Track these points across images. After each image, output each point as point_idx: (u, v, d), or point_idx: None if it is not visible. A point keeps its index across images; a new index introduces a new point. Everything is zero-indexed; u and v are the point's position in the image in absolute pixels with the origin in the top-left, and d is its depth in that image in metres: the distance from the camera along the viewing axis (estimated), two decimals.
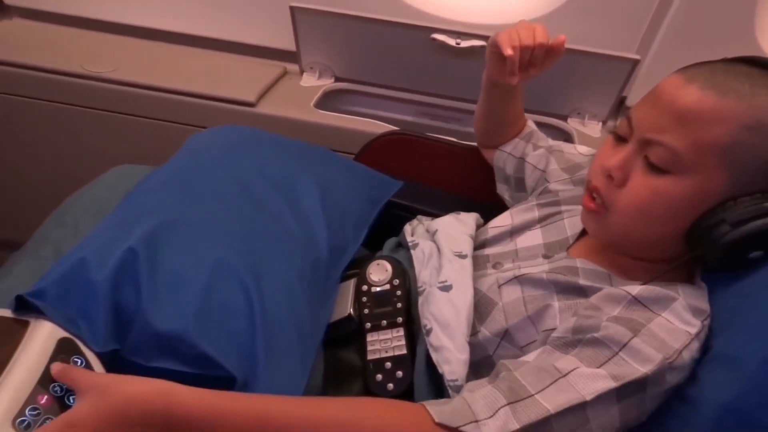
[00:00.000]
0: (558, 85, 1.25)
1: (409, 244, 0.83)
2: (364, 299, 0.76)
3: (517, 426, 0.53)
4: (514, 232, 0.83)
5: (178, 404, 0.51)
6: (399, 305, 0.74)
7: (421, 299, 0.74)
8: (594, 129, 1.30)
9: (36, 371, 0.55)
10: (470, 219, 0.86)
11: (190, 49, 1.43)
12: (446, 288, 0.71)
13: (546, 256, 0.76)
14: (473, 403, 0.55)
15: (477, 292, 0.72)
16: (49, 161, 1.39)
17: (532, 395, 0.55)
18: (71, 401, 0.55)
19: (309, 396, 0.66)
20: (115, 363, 0.61)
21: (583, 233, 0.76)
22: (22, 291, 0.61)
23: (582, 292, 0.67)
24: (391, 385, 0.69)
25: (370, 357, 0.71)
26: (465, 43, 1.19)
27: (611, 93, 1.24)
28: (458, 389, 0.62)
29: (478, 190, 1.08)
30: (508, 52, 0.78)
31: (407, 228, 0.90)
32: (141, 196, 0.77)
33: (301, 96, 1.30)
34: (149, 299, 0.62)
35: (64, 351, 0.58)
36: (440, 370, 0.65)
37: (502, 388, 0.56)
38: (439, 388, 0.66)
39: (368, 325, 0.74)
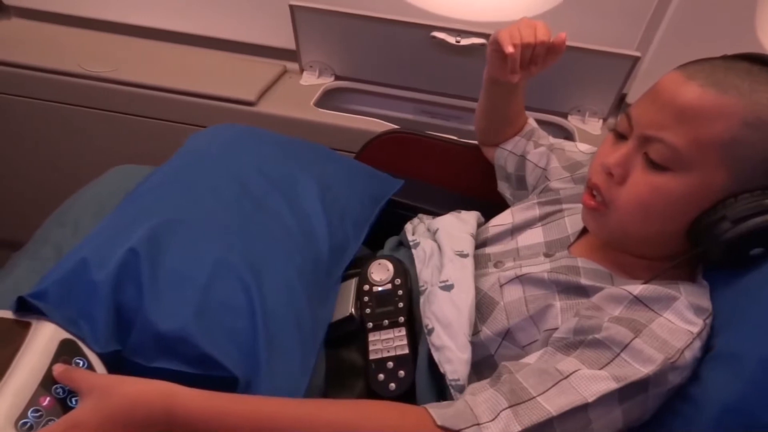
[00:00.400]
0: (558, 82, 1.25)
1: (411, 243, 0.83)
2: (366, 299, 0.76)
3: (518, 428, 0.53)
4: (515, 230, 0.83)
5: (180, 406, 0.51)
6: (401, 305, 0.74)
7: (422, 299, 0.74)
8: (594, 126, 1.30)
9: (38, 373, 0.55)
10: (471, 218, 0.86)
11: (189, 48, 1.43)
12: (448, 287, 0.71)
13: (547, 255, 0.76)
14: (475, 406, 0.55)
15: (478, 291, 0.72)
16: (48, 161, 1.39)
17: (534, 397, 0.55)
18: (74, 403, 0.55)
19: (311, 396, 0.66)
20: (116, 363, 0.61)
21: (584, 231, 0.76)
22: (23, 291, 0.61)
23: (583, 291, 0.67)
24: (393, 385, 0.68)
25: (372, 357, 0.71)
26: (465, 41, 1.19)
27: (611, 90, 1.24)
28: (460, 389, 0.62)
29: (478, 189, 1.08)
30: (509, 49, 0.78)
31: (408, 227, 0.89)
32: (141, 196, 0.77)
33: (301, 95, 1.30)
34: (150, 299, 0.61)
35: (66, 352, 0.57)
36: (442, 370, 0.65)
37: (504, 390, 0.56)
38: (440, 387, 0.66)
39: (370, 324, 0.74)
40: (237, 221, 0.74)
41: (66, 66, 1.25)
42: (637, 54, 1.15)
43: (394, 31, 1.21)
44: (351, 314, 0.75)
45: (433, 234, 0.83)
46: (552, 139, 0.97)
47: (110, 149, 1.33)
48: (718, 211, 0.60)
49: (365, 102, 1.39)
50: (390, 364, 0.70)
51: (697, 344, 0.59)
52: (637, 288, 0.62)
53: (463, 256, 0.75)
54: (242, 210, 0.75)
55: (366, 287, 0.77)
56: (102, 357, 0.60)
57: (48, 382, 0.55)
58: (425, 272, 0.77)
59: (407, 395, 0.68)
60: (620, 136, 0.67)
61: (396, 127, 1.18)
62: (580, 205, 0.73)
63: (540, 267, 0.72)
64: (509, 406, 0.54)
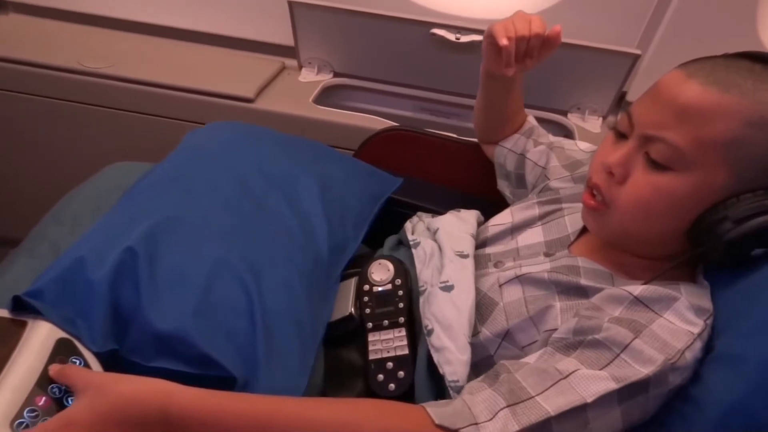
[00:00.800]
0: (558, 80, 1.25)
1: (411, 242, 0.83)
2: (366, 299, 0.76)
3: (516, 428, 0.53)
4: (515, 230, 0.82)
5: (176, 404, 0.51)
6: (401, 305, 0.74)
7: (422, 299, 0.73)
8: (594, 124, 1.29)
9: (34, 372, 0.55)
10: (471, 217, 0.86)
11: (188, 44, 1.43)
12: (448, 288, 0.71)
13: (547, 254, 0.76)
14: (473, 406, 0.55)
15: (478, 291, 0.71)
16: (45, 157, 1.39)
17: (533, 397, 0.55)
18: (70, 403, 0.54)
19: (309, 395, 0.66)
20: (113, 363, 0.61)
21: (584, 230, 0.76)
22: (20, 289, 0.60)
23: (583, 292, 0.67)
24: (392, 386, 0.68)
25: (371, 357, 0.71)
26: (465, 38, 1.19)
27: (612, 88, 1.23)
28: (459, 390, 0.62)
29: (478, 186, 1.08)
30: (504, 42, 0.78)
31: (408, 225, 0.89)
32: (139, 194, 0.76)
33: (299, 91, 1.29)
34: (148, 298, 0.61)
35: (62, 352, 0.57)
36: (441, 371, 0.65)
37: (502, 390, 0.56)
38: (440, 388, 0.66)
39: (370, 324, 0.73)
40: (236, 220, 0.73)
41: (64, 62, 1.24)
42: (638, 52, 1.15)
43: (394, 28, 1.21)
44: (351, 314, 0.75)
45: (433, 233, 0.83)
46: (552, 138, 0.96)
47: (108, 146, 1.33)
48: (719, 211, 0.60)
49: (364, 99, 1.39)
50: (389, 365, 0.70)
51: (698, 345, 0.59)
52: (637, 288, 0.62)
53: (464, 256, 0.75)
54: (241, 209, 0.75)
55: (366, 287, 0.77)
56: (99, 356, 0.60)
57: (44, 381, 0.54)
58: (425, 272, 0.76)
59: (406, 396, 0.68)
60: (621, 135, 0.66)
61: (395, 124, 1.18)
62: (580, 205, 0.73)
63: (540, 267, 0.71)
64: (507, 406, 0.54)
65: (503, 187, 1.01)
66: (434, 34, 1.19)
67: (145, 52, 1.34)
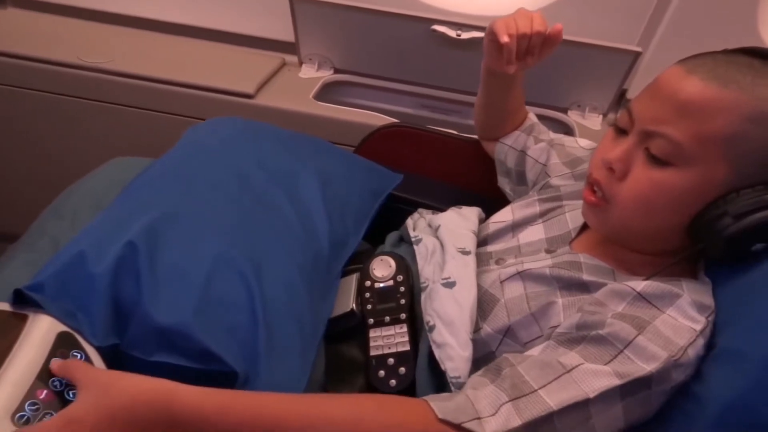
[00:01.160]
0: (558, 77, 1.25)
1: (412, 239, 0.83)
2: (367, 295, 0.76)
3: (519, 422, 0.53)
4: (516, 227, 0.83)
5: (179, 403, 0.51)
6: (402, 301, 0.74)
7: (423, 295, 0.73)
8: (594, 122, 1.29)
9: (35, 366, 0.55)
10: (472, 214, 0.86)
11: (187, 39, 1.42)
12: (450, 284, 0.71)
13: (549, 251, 0.76)
14: (477, 401, 0.55)
15: (479, 288, 0.71)
16: (43, 152, 1.38)
17: (535, 390, 0.55)
18: (71, 396, 0.54)
19: (310, 391, 0.66)
20: (114, 357, 0.61)
21: (585, 227, 0.76)
22: (20, 283, 0.60)
23: (585, 288, 0.67)
24: (393, 382, 0.68)
25: (372, 353, 0.71)
26: (466, 35, 1.18)
27: (612, 85, 1.23)
28: (461, 386, 0.62)
29: (478, 183, 1.08)
30: (505, 39, 0.78)
31: (409, 222, 0.89)
32: (139, 189, 0.76)
33: (300, 88, 1.29)
34: (149, 293, 0.61)
35: (63, 345, 0.57)
36: (443, 367, 0.65)
37: (505, 386, 0.56)
38: (441, 384, 0.66)
39: (371, 320, 0.73)
40: (237, 215, 0.73)
41: (63, 57, 1.24)
42: (638, 49, 1.15)
43: (395, 24, 1.21)
44: (352, 309, 0.75)
45: (434, 230, 0.83)
46: (552, 135, 0.96)
47: (107, 141, 1.33)
48: (719, 207, 0.60)
49: (365, 96, 1.39)
50: (391, 361, 0.70)
51: (700, 342, 0.59)
52: (640, 284, 0.62)
53: (465, 253, 0.75)
54: (242, 204, 0.75)
55: (367, 283, 0.77)
56: (100, 350, 0.60)
57: (45, 375, 0.55)
58: (427, 269, 0.76)
59: (407, 392, 0.68)
60: (621, 131, 0.66)
61: (395, 120, 1.17)
62: (581, 201, 0.73)
63: (541, 263, 0.71)
64: (510, 400, 0.55)
65: (504, 184, 1.01)
66: (435, 31, 1.19)
67: (144, 47, 1.34)
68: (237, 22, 1.39)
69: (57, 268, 0.63)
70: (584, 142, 0.93)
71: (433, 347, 0.67)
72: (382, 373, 0.69)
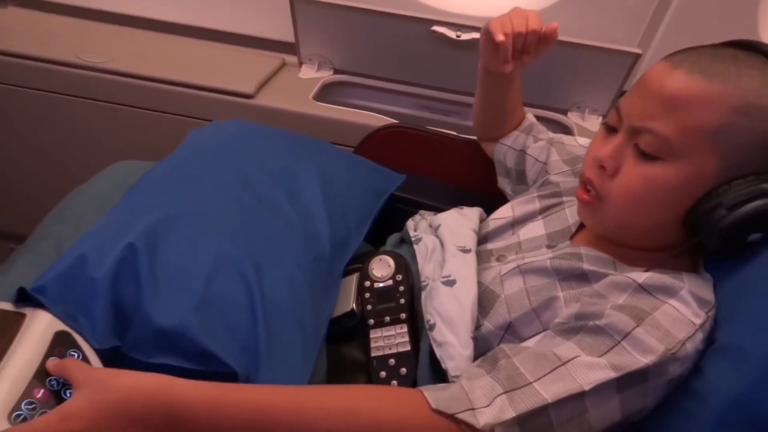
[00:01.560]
0: (559, 78, 1.25)
1: (412, 238, 0.83)
2: (367, 295, 0.76)
3: (512, 414, 0.53)
4: (516, 223, 0.83)
5: (178, 398, 0.51)
6: (402, 301, 0.74)
7: (424, 294, 0.73)
8: (594, 123, 1.29)
9: (32, 365, 0.54)
10: (473, 214, 0.86)
11: (187, 39, 1.42)
12: (450, 283, 0.70)
13: (549, 246, 0.75)
14: (471, 391, 0.55)
15: (480, 285, 0.71)
16: (42, 151, 1.38)
17: (530, 383, 0.55)
18: (68, 395, 0.54)
19: None
20: (115, 359, 0.61)
21: None
22: (22, 285, 0.60)
23: (585, 278, 0.67)
24: (395, 382, 0.68)
25: (373, 354, 0.71)
26: (465, 36, 1.18)
27: (612, 87, 1.23)
28: None
29: (478, 184, 1.08)
30: (500, 38, 0.78)
31: (410, 223, 0.89)
32: (141, 192, 0.77)
33: (299, 88, 1.29)
34: (149, 295, 0.61)
35: (60, 344, 0.57)
36: (444, 366, 0.65)
37: (500, 377, 0.56)
38: (442, 383, 0.66)
39: (371, 321, 0.73)
40: (238, 216, 0.73)
41: (63, 56, 1.24)
42: (639, 51, 1.15)
43: (395, 25, 1.21)
44: (352, 309, 0.74)
45: (435, 230, 0.82)
46: (551, 134, 0.97)
47: (106, 140, 1.33)
48: (712, 199, 0.60)
49: (364, 96, 1.39)
50: (392, 361, 0.70)
51: (700, 336, 0.58)
52: (641, 276, 0.61)
53: (466, 251, 0.75)
54: (243, 205, 0.75)
55: (367, 283, 0.77)
56: (101, 353, 0.60)
57: (42, 374, 0.55)
58: (427, 267, 0.76)
59: None
60: (611, 129, 0.66)
61: (395, 121, 1.17)
62: None
63: (542, 257, 0.71)
64: (504, 392, 0.55)
65: (504, 184, 1.01)
66: (435, 32, 1.19)
67: (144, 47, 1.34)
68: (237, 22, 1.39)
69: (58, 272, 0.63)
70: (583, 141, 0.93)
71: (434, 346, 0.67)
72: (383, 373, 0.69)
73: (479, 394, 0.55)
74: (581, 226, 0.76)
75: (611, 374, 0.55)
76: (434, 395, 0.55)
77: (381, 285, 0.76)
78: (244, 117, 1.21)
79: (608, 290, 0.62)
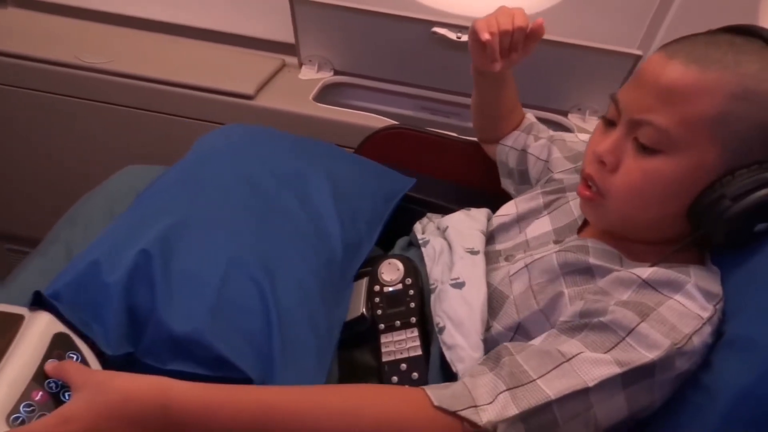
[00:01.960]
0: (559, 80, 1.25)
1: (420, 241, 0.82)
2: (377, 300, 0.75)
3: (516, 411, 0.53)
4: (522, 221, 0.82)
5: (175, 399, 0.51)
6: (412, 305, 0.73)
7: (432, 297, 0.73)
8: (594, 125, 1.29)
9: (30, 367, 0.54)
10: (481, 215, 0.85)
11: (187, 40, 1.42)
12: (459, 285, 0.70)
13: (557, 242, 0.75)
14: (474, 389, 0.55)
15: (489, 285, 0.71)
16: (41, 152, 1.38)
17: (534, 380, 0.54)
18: (67, 398, 0.54)
19: None
20: (129, 365, 0.61)
21: None
22: (31, 289, 0.60)
23: (590, 273, 0.66)
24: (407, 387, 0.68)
25: (384, 359, 0.70)
26: (465, 37, 1.18)
27: (612, 89, 1.21)
28: None
29: (480, 185, 1.08)
30: (486, 37, 0.79)
31: (417, 226, 0.89)
32: (152, 197, 0.76)
33: (299, 89, 1.29)
34: (163, 301, 0.61)
35: (59, 346, 0.57)
36: (454, 369, 0.64)
37: (503, 374, 0.56)
38: None
39: (382, 326, 0.73)
40: (249, 221, 0.73)
41: (62, 57, 1.24)
42: (639, 53, 1.15)
43: (395, 26, 1.21)
44: (362, 314, 0.74)
45: (442, 232, 0.82)
46: (552, 132, 0.96)
47: (105, 141, 1.32)
48: (716, 190, 0.59)
49: (364, 97, 1.39)
50: (403, 366, 0.69)
51: (707, 330, 0.58)
52: (645, 271, 0.61)
53: (474, 253, 0.75)
54: (254, 210, 0.75)
55: (377, 288, 0.76)
56: (114, 359, 0.60)
57: (40, 376, 0.54)
58: (435, 270, 0.76)
59: None
60: (609, 124, 0.66)
61: (395, 122, 1.17)
62: None
63: (549, 252, 0.70)
64: (507, 389, 0.54)
65: (507, 185, 1.01)
66: (435, 33, 1.19)
67: (144, 47, 1.34)
68: (237, 23, 1.39)
69: (71, 278, 0.63)
70: (585, 137, 0.92)
71: (444, 348, 0.66)
72: (395, 379, 0.69)
73: (482, 391, 0.55)
74: (587, 220, 0.76)
75: (616, 370, 0.54)
76: (437, 393, 0.55)
77: (391, 289, 0.75)
78: (243, 118, 1.21)
79: (612, 287, 0.62)
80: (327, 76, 1.35)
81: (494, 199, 0.94)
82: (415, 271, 0.77)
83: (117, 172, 0.91)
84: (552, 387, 0.54)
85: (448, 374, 0.66)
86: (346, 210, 0.82)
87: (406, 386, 0.57)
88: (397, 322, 0.72)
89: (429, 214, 0.93)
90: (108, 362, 0.60)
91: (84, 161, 1.35)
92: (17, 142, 1.37)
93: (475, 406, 0.53)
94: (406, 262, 0.78)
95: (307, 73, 1.35)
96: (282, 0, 1.22)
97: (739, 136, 0.58)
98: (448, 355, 0.65)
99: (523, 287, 0.69)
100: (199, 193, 0.75)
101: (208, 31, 1.41)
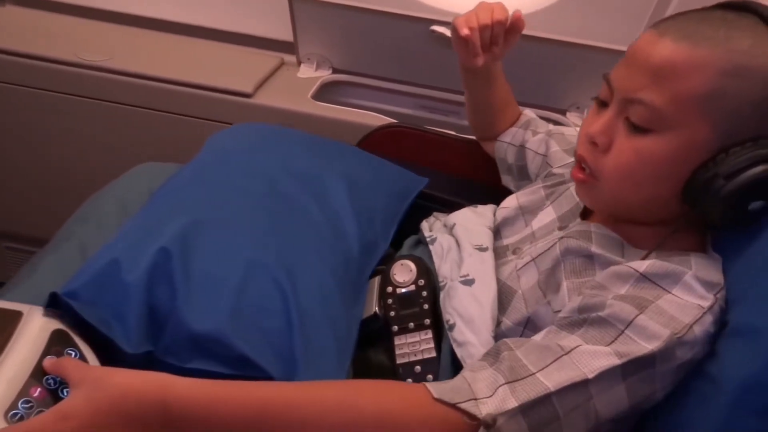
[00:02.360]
0: (557, 78, 1.25)
1: (427, 239, 0.82)
2: (390, 301, 0.75)
3: (515, 404, 0.53)
4: (526, 213, 0.82)
5: (174, 395, 0.51)
6: (426, 306, 0.73)
7: (442, 294, 0.73)
8: None
9: (29, 363, 0.54)
10: (488, 211, 0.85)
11: (186, 38, 1.42)
12: (468, 282, 0.70)
13: (561, 228, 0.75)
14: (474, 383, 0.55)
15: (498, 281, 0.71)
16: (42, 149, 1.38)
17: (533, 374, 0.54)
18: (65, 394, 0.54)
19: None
20: (148, 364, 0.61)
21: None
22: (48, 288, 0.60)
23: (591, 262, 0.66)
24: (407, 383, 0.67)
25: (399, 361, 0.70)
26: None
27: None
28: None
29: (481, 182, 1.08)
30: (465, 32, 0.80)
31: (424, 224, 0.89)
32: (168, 195, 0.76)
33: (298, 87, 1.29)
34: (184, 299, 0.61)
35: (57, 343, 0.57)
36: (465, 366, 0.64)
37: (503, 369, 0.56)
38: None
39: (395, 328, 0.73)
40: (267, 221, 0.73)
41: (61, 55, 1.23)
42: None
43: (394, 25, 1.21)
44: (375, 313, 0.74)
45: (449, 229, 0.82)
46: (551, 126, 0.96)
47: (104, 139, 1.32)
48: (709, 169, 0.58)
49: (363, 96, 1.39)
50: (417, 368, 0.69)
51: (708, 319, 0.57)
52: (643, 264, 0.60)
53: (483, 249, 0.75)
54: (272, 209, 0.75)
55: (389, 289, 0.76)
56: (134, 358, 0.60)
57: (39, 372, 0.54)
58: (444, 267, 0.76)
59: None
60: (602, 104, 0.65)
61: (394, 121, 1.17)
62: None
63: (553, 239, 0.70)
64: (507, 383, 0.54)
65: (507, 182, 1.01)
66: (434, 32, 1.19)
67: (143, 45, 1.33)
68: (235, 21, 1.39)
69: (90, 276, 0.63)
70: None
71: (454, 346, 0.67)
72: (409, 380, 0.68)
73: (482, 385, 0.55)
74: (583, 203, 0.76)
75: (615, 361, 0.54)
76: (437, 386, 0.55)
77: (404, 290, 0.75)
78: (242, 116, 1.21)
79: (610, 281, 0.62)
80: (326, 75, 1.35)
81: (496, 194, 0.94)
82: (427, 271, 0.76)
83: (129, 170, 0.90)
84: (551, 379, 0.54)
85: (459, 371, 0.64)
86: (362, 209, 0.82)
87: (407, 383, 0.57)
88: (411, 324, 0.72)
89: (435, 213, 0.93)
90: (126, 361, 0.60)
91: (83, 159, 1.35)
92: (16, 140, 1.37)
93: (475, 399, 0.53)
94: (419, 262, 0.77)
95: (306, 71, 1.35)
96: None
97: (732, 114, 0.57)
98: (458, 352, 0.66)
99: (530, 281, 0.69)
100: (217, 192, 0.75)
101: (207, 29, 1.41)
